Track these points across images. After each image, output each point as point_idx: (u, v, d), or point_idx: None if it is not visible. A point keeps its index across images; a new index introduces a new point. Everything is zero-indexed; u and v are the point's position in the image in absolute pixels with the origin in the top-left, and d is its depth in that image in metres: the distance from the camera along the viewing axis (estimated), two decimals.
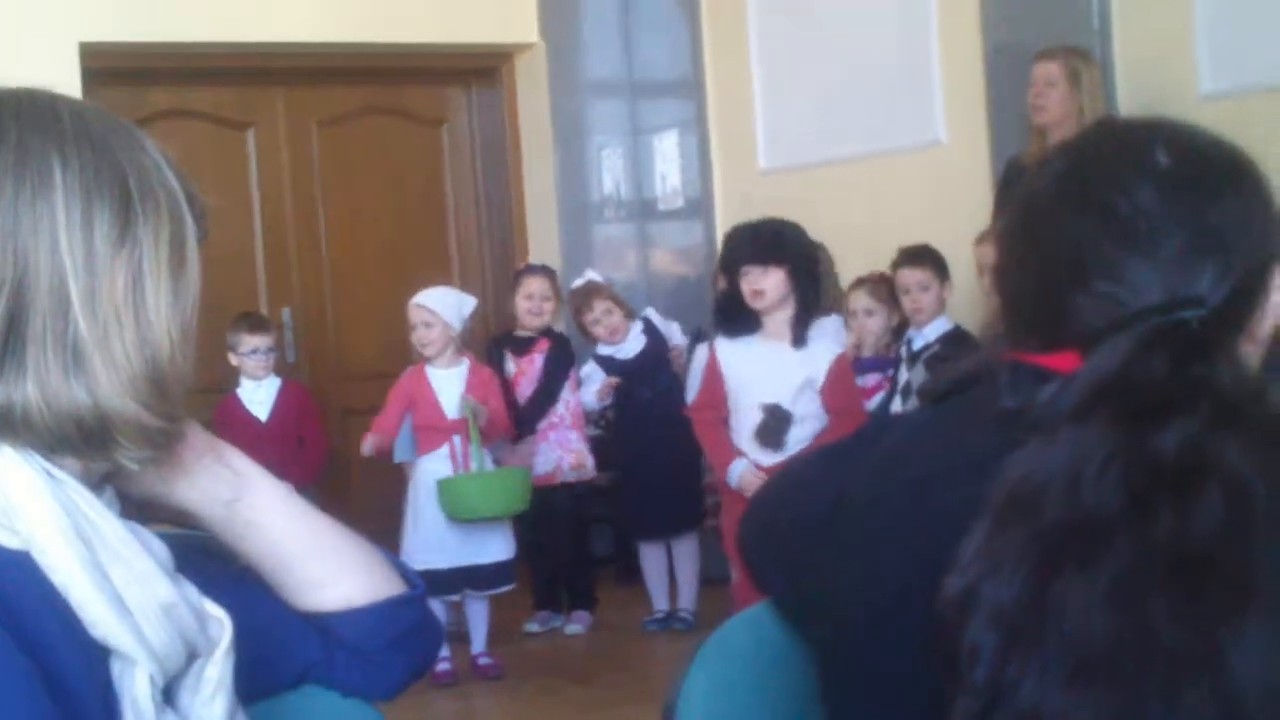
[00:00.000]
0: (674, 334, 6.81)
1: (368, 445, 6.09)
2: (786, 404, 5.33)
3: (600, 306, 6.67)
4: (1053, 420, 1.27)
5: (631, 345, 6.70)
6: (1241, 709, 1.16)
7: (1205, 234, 1.34)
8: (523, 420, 6.58)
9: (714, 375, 5.57)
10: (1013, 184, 5.78)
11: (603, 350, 6.74)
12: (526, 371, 6.69)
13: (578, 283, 6.90)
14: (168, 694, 1.24)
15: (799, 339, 5.37)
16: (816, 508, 1.48)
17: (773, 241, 5.38)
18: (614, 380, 6.64)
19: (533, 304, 6.71)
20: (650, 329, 6.73)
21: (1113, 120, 1.46)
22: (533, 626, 6.65)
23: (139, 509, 1.32)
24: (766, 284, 5.33)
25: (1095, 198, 1.38)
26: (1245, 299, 1.36)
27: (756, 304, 5.37)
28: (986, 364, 1.41)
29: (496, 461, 6.41)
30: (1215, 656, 1.17)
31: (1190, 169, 1.38)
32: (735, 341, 5.49)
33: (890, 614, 1.37)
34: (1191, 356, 1.27)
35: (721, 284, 6.03)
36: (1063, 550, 1.22)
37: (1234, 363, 1.30)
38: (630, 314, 6.76)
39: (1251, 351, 1.38)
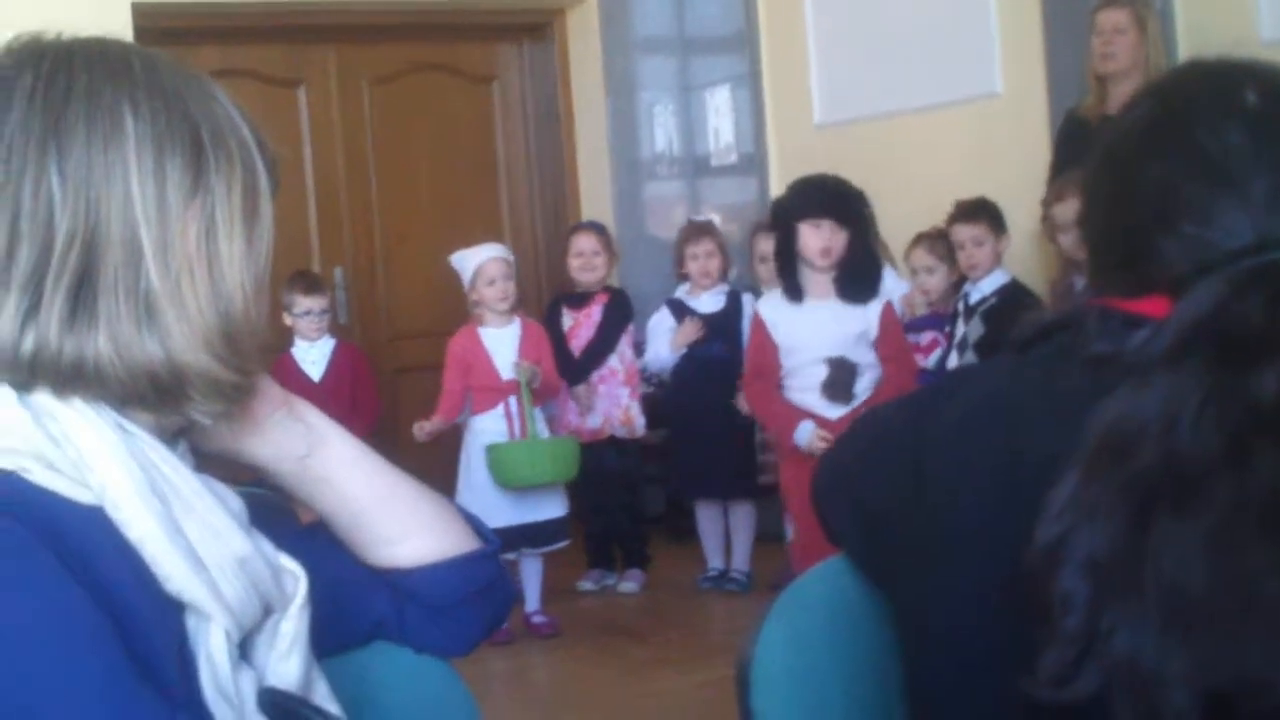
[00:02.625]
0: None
1: (427, 429, 6.06)
2: (851, 356, 5.31)
3: (706, 245, 6.63)
4: (1146, 365, 1.25)
5: (714, 300, 6.66)
6: None
7: None
8: (578, 369, 6.57)
9: (764, 342, 5.49)
10: (1072, 136, 5.72)
11: (681, 297, 6.69)
12: (584, 323, 6.67)
13: (697, 219, 6.84)
14: (243, 649, 1.23)
15: (847, 296, 5.32)
16: (894, 458, 1.46)
17: (847, 198, 5.30)
18: (699, 323, 6.55)
19: (583, 260, 6.68)
20: (734, 296, 6.69)
21: (1200, 61, 1.44)
22: (586, 585, 6.66)
23: (210, 466, 1.31)
24: (837, 241, 5.27)
25: (1184, 139, 1.35)
26: None
27: (822, 261, 5.30)
28: (1074, 311, 1.39)
29: (549, 419, 6.40)
30: None
31: None
32: (780, 304, 5.43)
33: (975, 564, 1.35)
34: None
35: (768, 241, 5.99)
36: (1158, 496, 1.19)
37: None
38: (727, 271, 6.74)
39: None
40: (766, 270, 6.42)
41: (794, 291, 5.41)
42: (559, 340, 6.57)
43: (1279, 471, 1.17)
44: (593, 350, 6.62)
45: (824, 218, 5.26)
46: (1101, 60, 5.64)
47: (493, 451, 5.96)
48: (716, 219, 6.94)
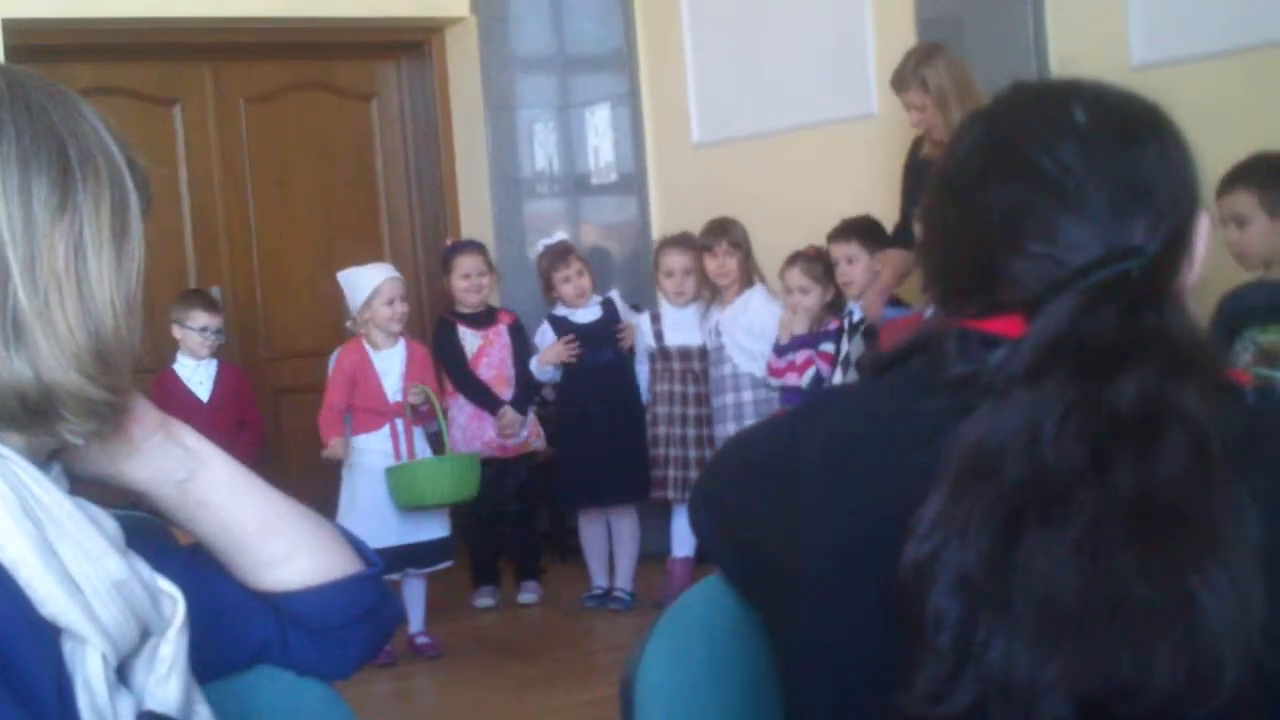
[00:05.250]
0: (631, 317, 6.77)
1: (336, 450, 6.05)
2: None
3: (575, 266, 6.66)
4: (1006, 383, 1.27)
5: (591, 311, 6.68)
6: (1214, 656, 1.16)
7: (1132, 186, 1.35)
8: (521, 400, 6.61)
9: None
10: (915, 170, 5.68)
11: (560, 312, 6.69)
12: (495, 342, 6.67)
13: (549, 242, 6.86)
14: (122, 673, 1.21)
15: None
16: (763, 483, 1.47)
17: None
18: (573, 342, 6.57)
19: (469, 281, 6.66)
20: (608, 303, 6.71)
21: (1024, 84, 1.45)
22: (485, 600, 6.66)
23: (85, 490, 1.29)
24: None
25: (1019, 160, 1.37)
26: (1177, 248, 1.36)
27: None
28: (931, 333, 1.40)
29: (430, 436, 6.37)
30: (1186, 605, 1.16)
31: (1109, 123, 1.38)
32: None
33: (847, 585, 1.36)
34: (1140, 306, 1.28)
35: (673, 258, 5.96)
36: (1026, 509, 1.21)
37: (1181, 311, 1.30)
38: (595, 281, 6.77)
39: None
40: (673, 285, 6.46)
41: None
42: (459, 360, 6.57)
43: (1141, 478, 1.20)
44: (527, 381, 6.65)
45: None
46: (928, 134, 5.61)
47: (394, 474, 5.92)
48: (594, 237, 6.94)
